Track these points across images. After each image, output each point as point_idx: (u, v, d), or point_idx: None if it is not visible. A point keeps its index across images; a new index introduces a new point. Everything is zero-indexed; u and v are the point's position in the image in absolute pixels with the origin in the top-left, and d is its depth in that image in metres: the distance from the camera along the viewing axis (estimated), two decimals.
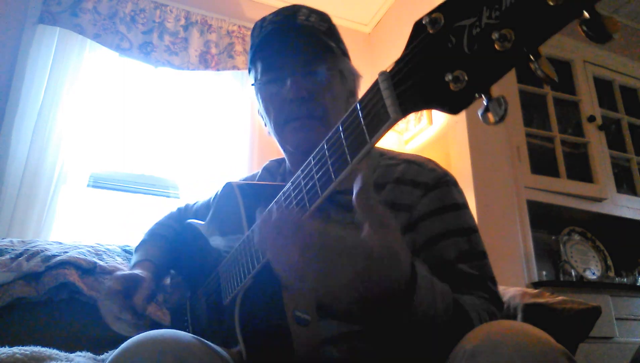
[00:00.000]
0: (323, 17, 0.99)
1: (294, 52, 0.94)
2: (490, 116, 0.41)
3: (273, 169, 1.16)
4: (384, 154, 1.02)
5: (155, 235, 1.23)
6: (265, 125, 1.06)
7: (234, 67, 3.01)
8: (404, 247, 0.59)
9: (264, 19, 0.98)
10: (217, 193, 1.22)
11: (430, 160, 0.98)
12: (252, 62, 1.01)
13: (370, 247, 0.55)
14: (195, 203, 1.31)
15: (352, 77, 1.04)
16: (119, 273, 1.02)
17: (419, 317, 0.61)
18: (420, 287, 0.60)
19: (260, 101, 1.01)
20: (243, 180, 1.21)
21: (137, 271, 1.05)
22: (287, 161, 1.10)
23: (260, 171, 1.18)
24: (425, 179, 0.92)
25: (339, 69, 1.00)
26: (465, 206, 0.93)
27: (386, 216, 0.58)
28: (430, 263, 0.80)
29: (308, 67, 0.94)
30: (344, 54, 1.03)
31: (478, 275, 0.83)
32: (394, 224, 0.58)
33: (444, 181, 0.93)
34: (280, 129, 0.98)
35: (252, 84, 1.03)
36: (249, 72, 1.04)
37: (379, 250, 0.55)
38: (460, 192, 0.95)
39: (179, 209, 1.33)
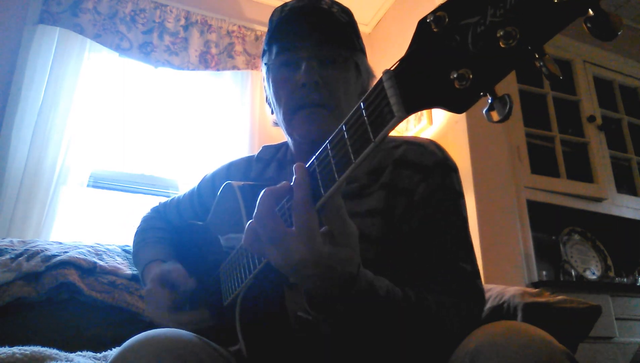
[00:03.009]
0: (345, 10, 0.98)
1: (312, 36, 0.93)
2: (495, 114, 0.41)
3: (268, 157, 1.13)
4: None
5: (153, 239, 1.20)
6: (273, 112, 1.04)
7: (234, 67, 3.01)
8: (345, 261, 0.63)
9: (285, 4, 0.97)
10: (200, 184, 1.20)
11: (432, 142, 0.96)
12: (268, 44, 0.99)
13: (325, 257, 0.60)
14: (172, 199, 1.28)
15: (367, 74, 1.03)
16: (148, 284, 1.01)
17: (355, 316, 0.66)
18: (354, 298, 0.64)
19: (271, 84, 0.99)
20: (240, 161, 1.18)
21: (154, 269, 1.04)
22: (291, 149, 1.07)
23: (254, 161, 1.15)
24: (426, 163, 0.91)
25: (355, 63, 0.99)
26: (461, 194, 0.92)
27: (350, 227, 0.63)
28: (424, 248, 0.83)
29: (325, 54, 0.93)
30: (362, 50, 1.02)
31: (464, 268, 0.83)
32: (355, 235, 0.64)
33: (444, 166, 0.91)
34: (290, 116, 0.95)
35: (265, 64, 1.01)
36: (263, 54, 1.02)
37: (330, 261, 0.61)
38: (458, 179, 0.93)
39: (164, 206, 1.29)
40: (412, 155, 0.92)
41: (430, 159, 0.91)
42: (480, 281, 0.84)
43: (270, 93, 1.01)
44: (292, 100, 0.94)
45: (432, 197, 0.87)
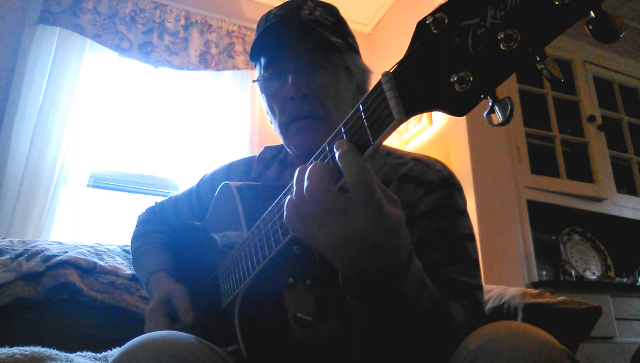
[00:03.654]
0: (329, 11, 0.96)
1: (297, 47, 0.91)
2: (495, 117, 0.41)
3: (269, 158, 1.13)
4: (391, 153, 1.00)
5: (153, 244, 1.18)
6: (271, 122, 1.03)
7: (234, 67, 3.01)
8: (406, 233, 0.59)
9: (269, 12, 0.96)
10: (199, 184, 1.20)
11: (438, 161, 0.97)
12: (256, 58, 0.98)
13: (391, 219, 0.56)
14: (169, 198, 1.27)
15: (360, 73, 1.00)
16: (153, 302, 1.01)
17: (401, 304, 0.61)
18: (410, 277, 0.60)
19: (265, 97, 0.99)
20: (240, 162, 1.18)
21: (161, 284, 1.05)
22: (290, 156, 1.07)
23: (256, 161, 1.14)
24: (430, 179, 0.91)
25: (345, 65, 0.96)
26: (465, 213, 0.91)
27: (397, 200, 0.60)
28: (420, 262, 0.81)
29: (311, 64, 0.91)
30: (352, 49, 0.99)
31: (464, 281, 0.81)
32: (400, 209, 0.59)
33: (448, 184, 0.91)
34: (285, 129, 0.95)
35: (255, 81, 1.00)
36: (255, 67, 1.01)
37: (396, 223, 0.56)
38: (462, 198, 0.93)
39: (160, 205, 1.28)
40: (418, 172, 0.92)
41: (435, 176, 0.91)
42: (481, 294, 0.83)
43: (265, 105, 1.01)
44: (283, 113, 0.94)
45: (431, 212, 0.87)
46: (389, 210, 0.55)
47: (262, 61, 0.96)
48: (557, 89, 3.09)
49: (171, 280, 1.06)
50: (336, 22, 0.96)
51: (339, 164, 0.54)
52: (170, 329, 0.94)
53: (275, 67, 0.94)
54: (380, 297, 0.60)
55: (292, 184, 0.60)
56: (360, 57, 1.03)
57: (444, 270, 0.81)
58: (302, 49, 0.91)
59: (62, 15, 2.62)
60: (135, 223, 1.27)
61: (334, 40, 0.92)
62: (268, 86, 0.96)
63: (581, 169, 2.99)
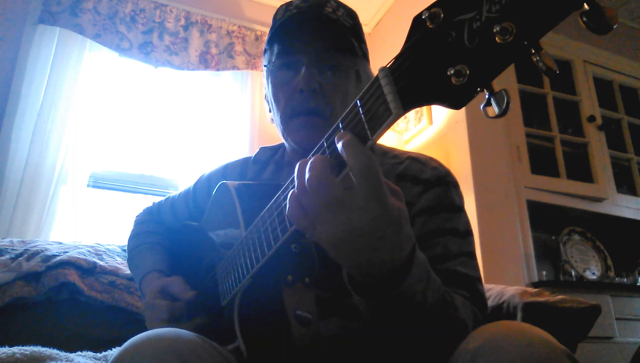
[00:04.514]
0: (350, 14, 0.96)
1: (315, 41, 0.91)
2: (491, 109, 0.41)
3: (265, 159, 1.12)
4: (387, 153, 1.01)
5: (148, 245, 1.17)
6: (270, 111, 1.03)
7: (234, 67, 3.01)
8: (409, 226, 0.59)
9: (290, 3, 0.96)
10: (195, 185, 1.19)
11: (433, 159, 0.97)
12: (269, 43, 0.97)
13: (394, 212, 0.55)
14: (166, 198, 1.26)
15: (367, 81, 1.00)
16: (148, 296, 1.00)
17: (408, 300, 0.60)
18: (415, 270, 0.60)
19: (270, 85, 0.98)
20: (235, 164, 1.17)
21: (154, 281, 1.03)
22: (287, 152, 1.07)
23: (251, 163, 1.14)
24: (427, 177, 0.91)
25: (356, 70, 0.97)
26: (462, 209, 0.92)
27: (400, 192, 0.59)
28: None
29: (326, 61, 0.92)
30: (364, 55, 1.00)
31: (465, 273, 0.82)
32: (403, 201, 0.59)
33: (444, 181, 0.92)
34: (287, 121, 0.95)
35: (265, 66, 1.00)
36: (264, 53, 1.01)
37: (398, 216, 0.55)
38: (459, 194, 0.94)
39: (157, 206, 1.27)
40: (414, 170, 0.93)
41: (432, 174, 0.92)
42: (481, 286, 0.84)
43: (269, 93, 1.00)
44: (289, 105, 0.94)
45: (428, 210, 0.88)
46: (392, 203, 0.54)
47: (276, 48, 0.96)
48: (557, 89, 3.09)
49: (165, 276, 1.05)
50: (355, 26, 0.97)
51: (344, 154, 0.53)
52: (172, 312, 0.93)
53: (289, 57, 0.94)
54: (385, 292, 0.59)
55: (292, 179, 0.60)
56: (369, 66, 1.03)
57: (444, 264, 0.82)
58: (321, 44, 0.92)
59: (62, 15, 2.63)
60: (132, 223, 1.27)
61: (352, 42, 0.93)
62: (278, 74, 0.95)
63: (581, 169, 2.99)
